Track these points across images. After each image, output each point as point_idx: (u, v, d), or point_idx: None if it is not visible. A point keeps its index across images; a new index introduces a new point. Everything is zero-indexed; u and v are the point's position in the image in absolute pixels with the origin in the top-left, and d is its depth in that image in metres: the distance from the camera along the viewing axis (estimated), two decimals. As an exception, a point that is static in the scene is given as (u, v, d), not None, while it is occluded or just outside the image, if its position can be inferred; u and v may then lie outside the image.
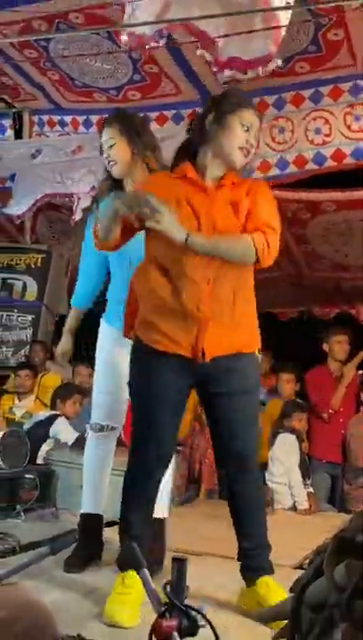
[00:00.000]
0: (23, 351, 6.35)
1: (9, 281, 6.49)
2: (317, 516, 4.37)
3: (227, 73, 3.32)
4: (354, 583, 0.87)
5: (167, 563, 2.59)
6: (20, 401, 5.49)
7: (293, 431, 4.66)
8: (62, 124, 5.15)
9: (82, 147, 4.99)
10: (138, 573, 1.63)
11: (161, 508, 2.93)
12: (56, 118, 5.17)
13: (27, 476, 3.81)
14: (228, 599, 2.52)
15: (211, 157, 2.45)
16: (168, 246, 2.31)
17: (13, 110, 5.25)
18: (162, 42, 3.28)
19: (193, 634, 1.39)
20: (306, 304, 7.19)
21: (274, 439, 4.66)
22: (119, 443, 3.09)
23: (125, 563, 2.35)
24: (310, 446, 4.97)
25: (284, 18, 3.10)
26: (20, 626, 1.05)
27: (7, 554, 2.92)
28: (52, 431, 4.30)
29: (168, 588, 1.44)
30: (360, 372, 5.13)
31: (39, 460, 4.17)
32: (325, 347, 5.18)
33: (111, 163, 2.94)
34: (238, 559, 2.50)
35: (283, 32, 3.13)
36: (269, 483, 4.55)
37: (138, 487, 2.46)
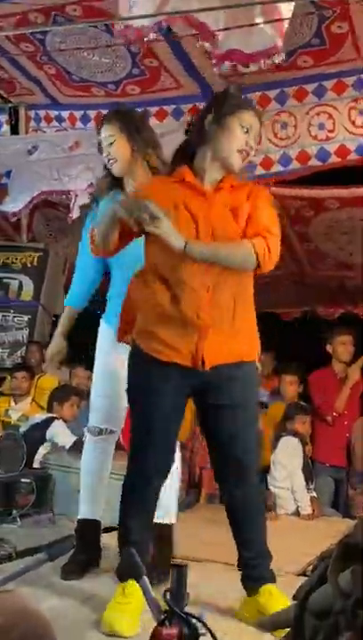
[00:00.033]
0: (19, 352, 6.36)
1: (5, 280, 6.50)
2: (320, 522, 4.36)
3: (226, 65, 3.32)
4: (359, 590, 0.87)
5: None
6: (16, 403, 5.49)
7: (296, 434, 4.66)
8: (59, 119, 5.14)
9: (79, 143, 4.99)
10: (137, 581, 1.63)
11: (168, 514, 2.95)
12: (53, 113, 5.17)
13: (23, 480, 3.81)
14: (229, 606, 2.53)
15: (209, 160, 2.46)
16: (167, 253, 2.32)
17: (9, 105, 5.25)
18: (161, 34, 3.28)
19: (194, 642, 1.39)
20: (309, 304, 7.19)
21: (277, 442, 4.66)
22: (118, 446, 3.10)
23: (125, 572, 2.36)
24: (313, 450, 4.97)
25: (286, 10, 3.10)
26: (17, 633, 1.05)
27: (3, 560, 2.93)
28: (48, 434, 4.30)
29: (168, 596, 1.45)
30: (365, 373, 5.13)
31: (36, 464, 4.17)
32: (328, 348, 5.18)
33: (111, 161, 2.94)
34: (239, 568, 2.50)
35: (286, 25, 3.13)
36: (271, 487, 4.55)
37: (137, 494, 2.46)
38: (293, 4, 3.13)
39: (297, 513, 4.48)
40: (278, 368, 5.76)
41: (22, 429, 4.43)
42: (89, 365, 5.60)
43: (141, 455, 2.44)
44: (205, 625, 1.41)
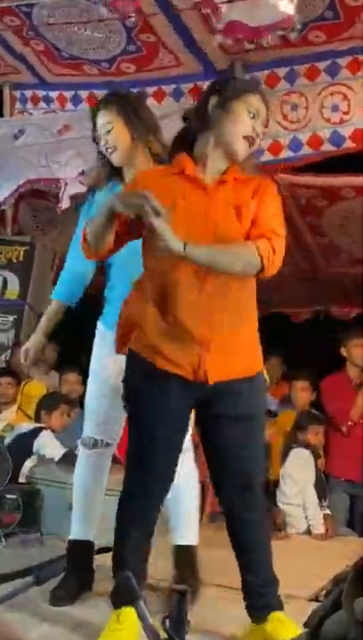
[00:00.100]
0: (4, 356, 6.34)
1: (-13, 277, 6.49)
2: (334, 542, 4.36)
3: (228, 39, 3.32)
4: (377, 616, 0.87)
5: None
6: (0, 412, 5.48)
7: (307, 446, 4.66)
8: (48, 100, 5.14)
9: (69, 126, 4.99)
10: (133, 607, 1.63)
11: (189, 535, 2.96)
12: (41, 94, 5.17)
13: (8, 496, 3.81)
14: (232, 634, 2.53)
15: (212, 146, 2.45)
16: (163, 257, 2.31)
17: (-7, 85, 5.25)
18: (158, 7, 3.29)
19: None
20: (322, 303, 7.18)
21: (286, 455, 4.67)
22: (113, 460, 3.10)
23: (120, 596, 2.36)
24: (326, 463, 4.97)
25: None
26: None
27: (-14, 584, 2.92)
28: (36, 446, 4.30)
29: (167, 623, 1.45)
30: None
31: (22, 479, 4.17)
32: (343, 351, 5.18)
33: (110, 150, 2.95)
34: (243, 595, 2.50)
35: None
36: (280, 504, 4.56)
37: (135, 512, 2.46)
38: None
39: (309, 532, 4.47)
40: (288, 373, 5.76)
41: (7, 440, 4.43)
42: (81, 370, 5.64)
43: (139, 468, 2.44)
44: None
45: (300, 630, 1.28)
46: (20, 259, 6.38)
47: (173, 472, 2.50)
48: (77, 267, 3.06)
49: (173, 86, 4.71)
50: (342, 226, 5.92)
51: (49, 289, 6.33)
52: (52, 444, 4.32)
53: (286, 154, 4.41)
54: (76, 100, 5.03)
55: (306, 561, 3.68)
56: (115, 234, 2.41)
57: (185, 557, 2.96)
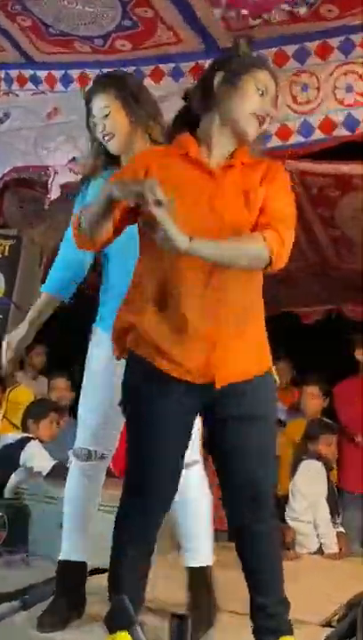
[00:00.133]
0: (-13, 360, 6.35)
1: (-30, 274, 6.49)
2: (348, 562, 4.37)
3: (230, 12, 3.31)
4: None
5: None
6: (-17, 421, 5.49)
7: (319, 457, 4.66)
8: (35, 80, 5.13)
9: (59, 109, 4.98)
10: (129, 632, 1.63)
11: (202, 555, 2.99)
12: (28, 73, 5.15)
13: (-8, 512, 3.81)
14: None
15: (218, 125, 2.45)
16: (163, 252, 2.29)
17: (-26, 64, 5.25)
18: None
19: None
20: (334, 301, 7.19)
21: (296, 467, 4.67)
22: (108, 473, 3.10)
23: (115, 621, 2.36)
24: (339, 476, 4.97)
25: None
26: None
27: (-32, 609, 2.92)
28: (22, 457, 4.31)
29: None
30: None
31: (7, 494, 4.17)
32: (358, 354, 5.20)
33: (107, 137, 2.95)
34: (251, 617, 2.50)
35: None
36: (289, 521, 4.56)
37: (133, 529, 2.46)
38: None
39: (321, 552, 4.48)
40: (298, 379, 5.78)
41: (-9, 452, 4.43)
42: (70, 375, 5.65)
43: (139, 480, 2.44)
44: None
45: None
46: (6, 253, 6.37)
47: (176, 485, 2.50)
48: (72, 257, 3.02)
49: (173, 65, 4.69)
50: (355, 218, 5.92)
51: (37, 287, 6.34)
52: (40, 455, 4.32)
53: (295, 139, 4.40)
54: (66, 81, 5.01)
55: (317, 583, 3.68)
56: (113, 222, 2.40)
57: (199, 580, 2.97)
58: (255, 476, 2.44)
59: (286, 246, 2.36)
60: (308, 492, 4.56)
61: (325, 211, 5.85)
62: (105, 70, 4.57)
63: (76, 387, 5.33)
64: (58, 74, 5.04)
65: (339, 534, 4.55)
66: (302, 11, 3.46)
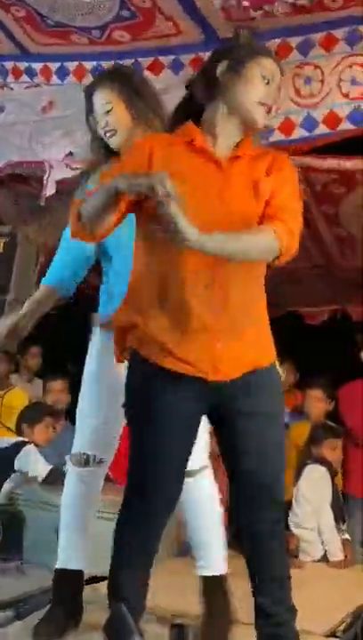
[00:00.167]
0: (-20, 361, 6.34)
1: None
2: (354, 570, 4.36)
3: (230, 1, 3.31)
4: None
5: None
6: (-24, 425, 5.49)
7: (323, 462, 4.66)
8: (30, 72, 5.13)
9: (54, 102, 4.98)
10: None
11: (215, 563, 2.98)
12: (23, 66, 5.15)
13: (-14, 519, 3.81)
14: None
15: (224, 115, 2.45)
16: (165, 245, 2.29)
17: (-32, 56, 5.25)
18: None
19: None
20: (339, 302, 7.18)
21: (300, 472, 4.66)
22: (106, 478, 3.10)
23: (114, 631, 2.36)
24: (344, 481, 4.96)
25: None
26: None
27: None
28: (17, 463, 4.31)
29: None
30: None
31: (1, 499, 4.17)
32: (364, 355, 5.19)
33: (109, 133, 2.97)
34: (256, 625, 2.49)
35: None
36: (293, 527, 4.55)
37: (135, 534, 2.46)
38: None
39: (325, 559, 4.47)
40: (302, 381, 5.76)
41: (-15, 457, 4.43)
42: (67, 377, 5.64)
43: (142, 479, 2.44)
44: None
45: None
46: (0, 251, 6.38)
47: (180, 486, 2.50)
48: (74, 253, 3.02)
49: (172, 57, 4.69)
50: (355, 215, 5.92)
51: (32, 285, 6.34)
52: (35, 460, 4.32)
53: (299, 133, 4.39)
54: (62, 73, 5.01)
55: (322, 591, 3.67)
56: (117, 214, 2.39)
57: (213, 589, 2.96)
58: (265, 473, 2.44)
59: (295, 238, 2.38)
60: (312, 497, 4.56)
61: (329, 208, 5.84)
62: (102, 62, 4.59)
63: (73, 389, 5.34)
64: (54, 66, 5.04)
65: (344, 541, 4.54)
66: (305, 1, 3.45)
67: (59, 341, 6.32)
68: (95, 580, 3.12)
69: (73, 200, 2.50)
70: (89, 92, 3.04)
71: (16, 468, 4.29)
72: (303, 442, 4.86)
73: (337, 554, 4.45)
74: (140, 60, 4.59)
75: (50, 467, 4.24)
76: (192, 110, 2.52)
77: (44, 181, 4.89)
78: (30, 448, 4.39)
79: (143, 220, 2.42)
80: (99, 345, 2.96)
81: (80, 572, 3.00)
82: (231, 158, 2.44)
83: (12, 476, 4.27)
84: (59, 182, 4.68)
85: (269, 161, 2.46)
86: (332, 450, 4.73)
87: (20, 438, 4.55)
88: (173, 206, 2.15)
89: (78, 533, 3.01)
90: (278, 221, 2.35)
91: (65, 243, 3.07)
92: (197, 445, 2.60)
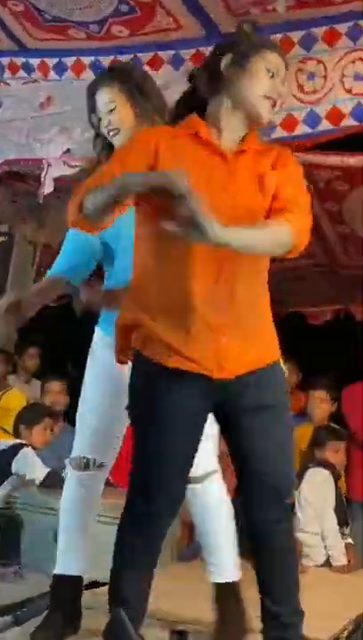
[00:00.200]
0: (-23, 363, 6.35)
1: None
2: (358, 575, 4.36)
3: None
4: None
5: None
6: (-27, 427, 5.49)
7: (326, 465, 4.66)
8: (28, 68, 5.12)
9: (52, 98, 4.98)
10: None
11: (227, 570, 3.00)
12: (20, 61, 5.15)
13: (-18, 523, 3.81)
14: None
15: (229, 109, 2.47)
16: (177, 242, 2.29)
17: (-36, 51, 5.25)
18: None
19: None
20: (343, 301, 7.18)
21: (302, 475, 4.66)
22: (107, 482, 3.09)
23: (113, 637, 2.36)
24: (348, 485, 4.96)
25: None
26: None
27: None
28: (14, 465, 4.31)
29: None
30: None
31: (-1, 503, 4.18)
32: (367, 356, 5.19)
33: (113, 132, 2.98)
34: (262, 629, 2.49)
35: None
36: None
37: (137, 537, 2.46)
38: None
39: (328, 564, 4.47)
40: (304, 382, 5.76)
41: (-18, 460, 4.43)
42: (65, 378, 5.64)
43: (146, 483, 2.44)
44: None
45: None
46: (-3, 250, 6.38)
47: (184, 485, 2.52)
48: (84, 244, 2.99)
49: (172, 52, 4.69)
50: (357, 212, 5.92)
51: (30, 286, 6.35)
52: (33, 463, 4.33)
53: (301, 130, 4.39)
54: (59, 69, 5.01)
55: (325, 597, 3.67)
56: (121, 209, 2.39)
57: (226, 596, 2.97)
58: (274, 468, 2.45)
59: (306, 232, 2.41)
60: (315, 501, 4.56)
61: (332, 206, 5.84)
62: (101, 58, 4.58)
63: (71, 390, 5.35)
64: (51, 61, 5.03)
65: (347, 546, 4.54)
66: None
67: (58, 342, 6.33)
68: (94, 584, 3.13)
69: (75, 190, 2.47)
70: (91, 91, 3.05)
71: (13, 470, 4.29)
72: (306, 444, 4.86)
73: (340, 559, 4.45)
74: (139, 55, 4.58)
75: (48, 469, 4.24)
76: (195, 103, 2.53)
77: (42, 179, 4.89)
78: (28, 450, 4.39)
79: (148, 217, 2.41)
80: (101, 349, 2.96)
81: (79, 578, 3.00)
82: (237, 152, 2.46)
83: (9, 479, 4.27)
84: (57, 180, 4.67)
85: (273, 156, 2.49)
86: (335, 452, 4.73)
87: (18, 440, 4.55)
88: (195, 203, 2.14)
89: (78, 538, 3.00)
90: (290, 215, 2.38)
91: (71, 235, 3.05)
92: (206, 450, 2.61)
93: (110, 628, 2.40)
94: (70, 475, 3.03)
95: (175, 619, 2.99)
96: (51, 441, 4.71)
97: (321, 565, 4.46)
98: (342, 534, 4.56)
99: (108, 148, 3.03)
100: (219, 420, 2.57)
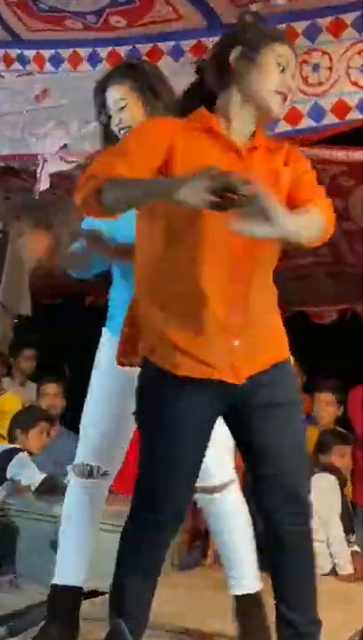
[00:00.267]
0: (-28, 365, 6.35)
1: None
2: (364, 584, 4.37)
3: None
4: None
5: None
6: (-33, 431, 5.49)
7: (332, 470, 4.66)
8: (23, 60, 5.13)
9: (48, 90, 4.98)
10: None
11: (246, 581, 3.00)
12: (14, 53, 5.16)
13: (-24, 531, 3.82)
14: None
15: (239, 103, 2.47)
16: (194, 242, 2.32)
17: None
18: None
19: None
20: (349, 300, 7.18)
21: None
22: (109, 489, 3.09)
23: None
24: (354, 490, 4.97)
25: None
26: None
27: None
28: (9, 471, 4.31)
29: None
30: None
31: (-7, 510, 4.18)
32: (375, 357, 5.19)
33: (123, 130, 2.99)
34: (277, 637, 2.49)
35: None
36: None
37: (141, 545, 2.46)
38: None
39: (334, 572, 4.47)
40: (310, 384, 5.76)
41: (-24, 465, 4.44)
42: (62, 380, 5.64)
43: (153, 490, 2.45)
44: None
45: None
46: (-10, 248, 6.39)
47: (191, 496, 2.54)
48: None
49: (172, 43, 4.69)
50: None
51: (25, 285, 6.37)
52: (28, 468, 4.32)
53: (306, 123, 4.40)
54: (56, 60, 5.01)
55: (331, 606, 3.64)
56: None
57: (247, 609, 2.98)
58: (289, 467, 2.46)
59: (332, 218, 2.47)
60: (320, 507, 4.55)
61: (338, 202, 5.84)
62: (98, 49, 4.59)
63: (68, 393, 5.35)
64: (47, 53, 5.04)
65: (354, 554, 4.54)
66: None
67: (54, 343, 6.32)
68: (93, 593, 3.13)
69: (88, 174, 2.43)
70: (101, 88, 3.06)
71: (8, 476, 4.29)
72: (311, 449, 4.86)
73: (347, 567, 4.45)
74: (138, 46, 4.59)
75: (44, 475, 4.24)
76: (203, 95, 2.54)
77: (38, 175, 4.89)
78: (23, 455, 4.39)
79: (161, 217, 2.40)
80: (108, 352, 2.95)
81: (79, 589, 2.99)
82: (250, 148, 2.48)
83: (4, 484, 4.27)
84: (53, 176, 4.68)
85: (284, 153, 2.54)
86: (341, 457, 4.73)
87: (13, 445, 4.55)
88: (265, 200, 2.16)
89: (79, 548, 3.00)
90: (320, 201, 2.46)
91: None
92: (223, 460, 2.60)
93: (110, 639, 2.40)
94: (73, 482, 3.03)
95: (178, 628, 2.98)
96: (47, 445, 4.71)
97: (327, 574, 4.46)
98: (348, 542, 4.56)
99: (118, 141, 3.03)
100: (227, 419, 2.57)
